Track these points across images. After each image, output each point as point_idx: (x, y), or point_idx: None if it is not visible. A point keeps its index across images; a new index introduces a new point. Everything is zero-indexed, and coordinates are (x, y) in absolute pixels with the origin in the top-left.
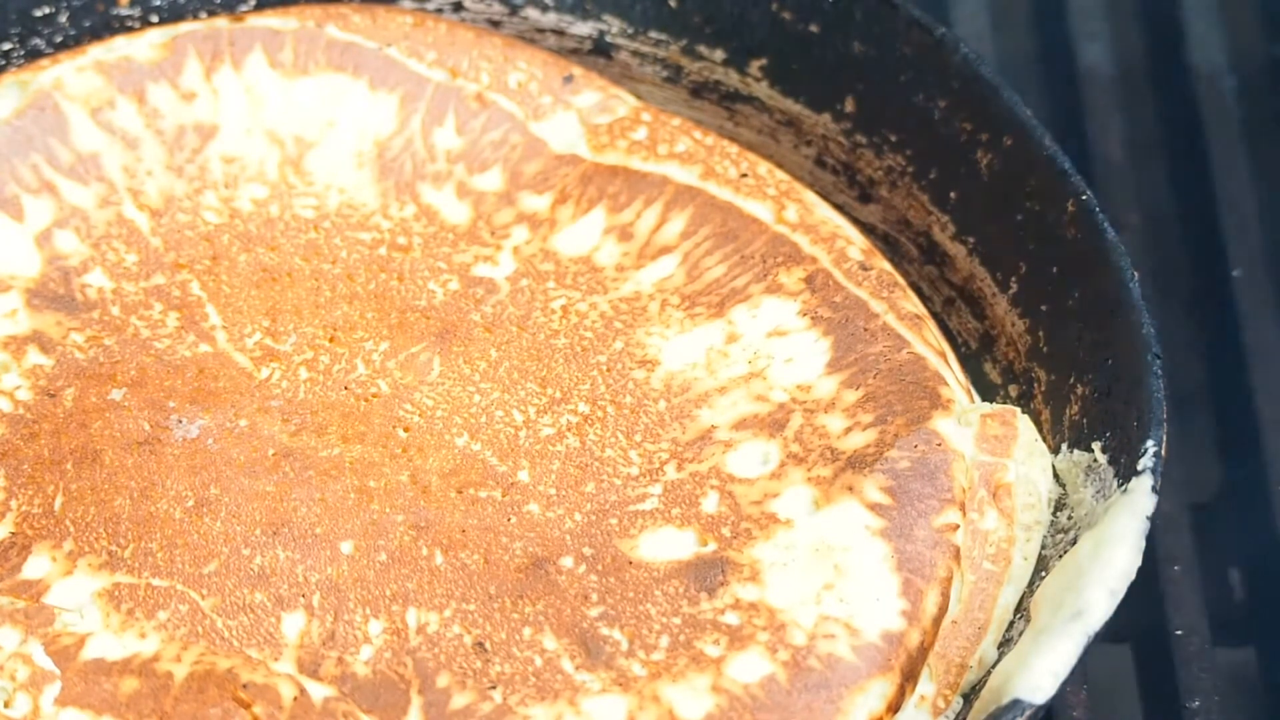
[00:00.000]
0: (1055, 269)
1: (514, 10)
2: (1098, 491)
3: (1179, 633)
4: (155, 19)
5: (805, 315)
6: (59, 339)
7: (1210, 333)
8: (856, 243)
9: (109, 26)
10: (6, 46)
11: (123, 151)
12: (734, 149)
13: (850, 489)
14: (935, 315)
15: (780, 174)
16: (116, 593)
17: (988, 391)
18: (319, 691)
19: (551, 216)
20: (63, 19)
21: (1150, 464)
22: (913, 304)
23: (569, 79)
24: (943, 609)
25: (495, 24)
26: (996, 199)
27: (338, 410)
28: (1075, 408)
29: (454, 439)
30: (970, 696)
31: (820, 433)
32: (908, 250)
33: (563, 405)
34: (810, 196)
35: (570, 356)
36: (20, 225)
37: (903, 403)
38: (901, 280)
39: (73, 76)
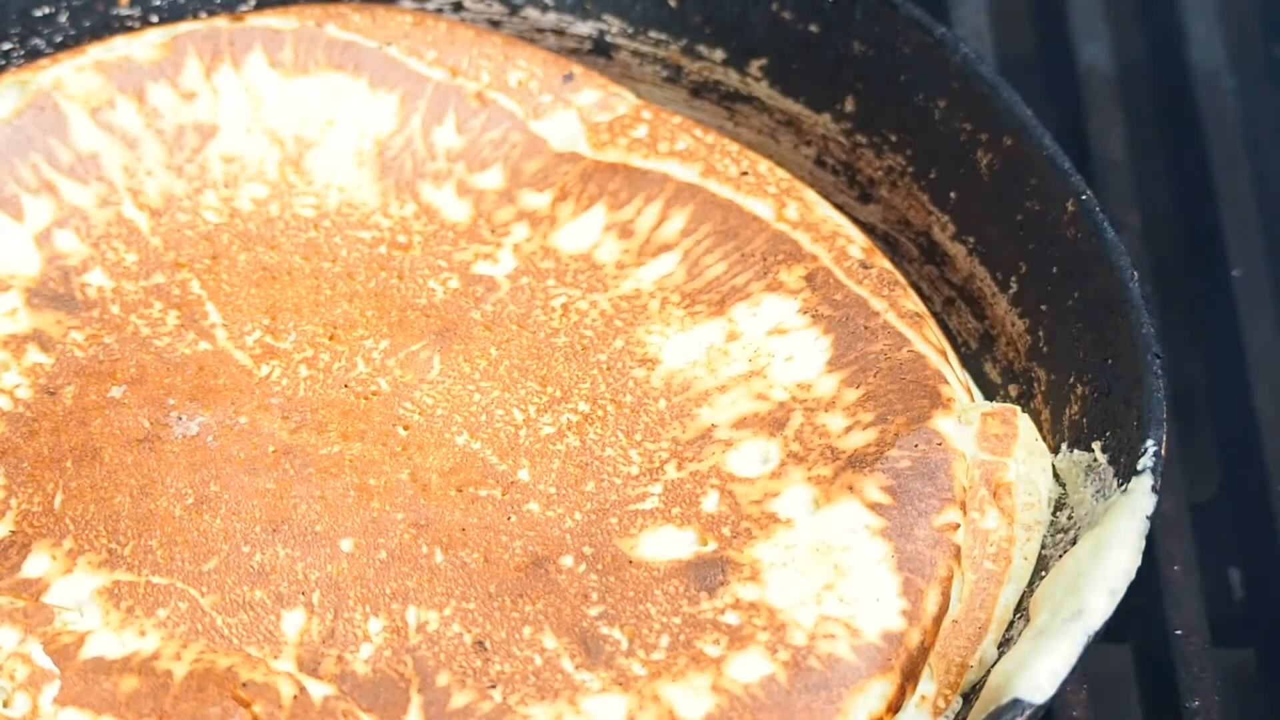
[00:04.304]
0: (1055, 269)
1: (514, 10)
2: (1098, 491)
3: (1179, 633)
4: (155, 19)
5: (806, 313)
6: (59, 337)
7: (1210, 333)
8: (857, 241)
9: (109, 26)
10: (6, 46)
11: (122, 151)
12: (734, 147)
13: (850, 488)
14: (935, 315)
15: (780, 172)
16: (116, 590)
17: (988, 391)
18: (319, 690)
19: (552, 214)
20: (63, 19)
21: (1150, 464)
22: (913, 302)
23: (569, 77)
24: (943, 608)
25: (495, 24)
26: (996, 199)
27: (338, 408)
28: (1075, 408)
29: (454, 437)
30: (970, 696)
31: (820, 431)
32: (908, 250)
33: (563, 404)
34: (811, 195)
35: (570, 355)
36: (20, 225)
37: (903, 401)
38: (902, 278)
39: (73, 76)
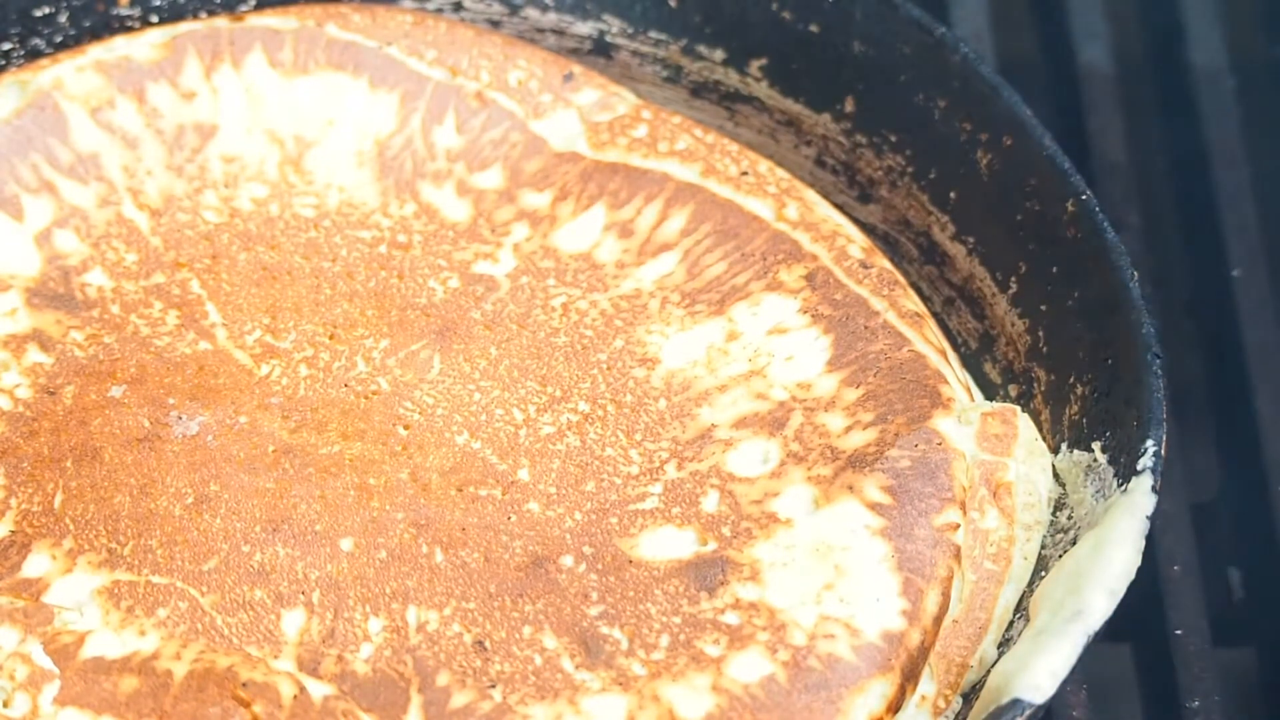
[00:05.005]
0: (1055, 269)
1: (514, 10)
2: (1097, 491)
3: (1179, 633)
4: (155, 19)
5: (806, 313)
6: (59, 337)
7: (1210, 333)
8: (857, 241)
9: (109, 26)
10: (6, 46)
11: (122, 151)
12: (734, 146)
13: (850, 488)
14: (935, 315)
15: (780, 172)
16: (116, 590)
17: (988, 391)
18: (319, 690)
19: (552, 214)
20: (63, 19)
21: (1150, 464)
22: (913, 302)
23: (569, 77)
24: (943, 608)
25: (495, 24)
26: (996, 199)
27: (338, 407)
28: (1075, 408)
29: (454, 437)
30: (970, 696)
31: (820, 431)
32: (908, 250)
33: (563, 404)
34: (810, 194)
35: (570, 354)
36: (20, 225)
37: (903, 401)
38: (902, 278)
39: (73, 76)
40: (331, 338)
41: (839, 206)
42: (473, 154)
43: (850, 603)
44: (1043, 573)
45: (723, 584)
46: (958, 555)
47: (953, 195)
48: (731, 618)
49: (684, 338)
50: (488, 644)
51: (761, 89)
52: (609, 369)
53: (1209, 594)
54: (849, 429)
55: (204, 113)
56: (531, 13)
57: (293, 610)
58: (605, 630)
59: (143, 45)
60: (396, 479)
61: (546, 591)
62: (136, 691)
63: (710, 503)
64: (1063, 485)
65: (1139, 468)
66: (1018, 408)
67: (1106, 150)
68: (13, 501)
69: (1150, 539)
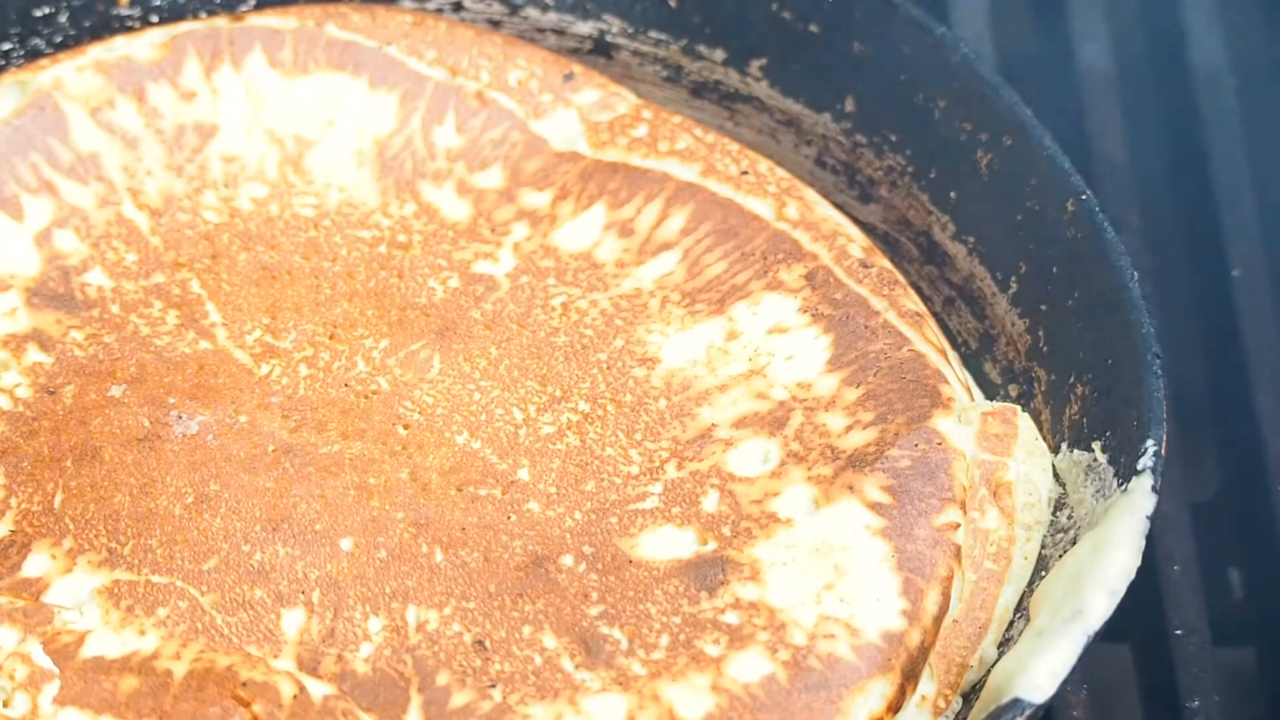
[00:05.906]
0: (1055, 269)
1: (514, 10)
2: (1098, 491)
3: (1179, 633)
4: (155, 19)
5: (806, 312)
6: (59, 337)
7: (1210, 333)
8: (857, 240)
9: (109, 26)
10: (6, 46)
11: (122, 151)
12: (734, 146)
13: (851, 488)
14: (935, 315)
15: (780, 171)
16: (116, 590)
17: (988, 391)
18: (318, 689)
19: (552, 213)
20: (63, 19)
21: (1150, 464)
22: (913, 301)
23: (569, 76)
24: (943, 608)
25: (495, 24)
26: (996, 199)
27: (338, 407)
28: (1075, 407)
29: (454, 436)
30: (970, 696)
31: (821, 431)
32: (908, 250)
33: (563, 403)
34: (810, 194)
35: (570, 354)
36: (20, 225)
37: (903, 401)
38: (902, 278)
39: (72, 76)
40: (331, 337)
41: (839, 206)
42: (473, 154)
43: (850, 602)
44: (1043, 573)
45: (723, 584)
46: (958, 555)
47: (953, 195)
48: (731, 617)
49: (684, 337)
50: (488, 644)
51: (761, 89)
52: (609, 368)
53: (1209, 594)
54: (849, 428)
55: (204, 113)
56: (531, 13)
57: (293, 610)
58: (605, 630)
59: (143, 45)
60: (396, 478)
61: (546, 591)
62: (136, 691)
63: (710, 502)
64: (1063, 485)
65: (1139, 468)
66: (1018, 408)
67: (1106, 150)
68: (13, 501)
69: (1150, 539)
